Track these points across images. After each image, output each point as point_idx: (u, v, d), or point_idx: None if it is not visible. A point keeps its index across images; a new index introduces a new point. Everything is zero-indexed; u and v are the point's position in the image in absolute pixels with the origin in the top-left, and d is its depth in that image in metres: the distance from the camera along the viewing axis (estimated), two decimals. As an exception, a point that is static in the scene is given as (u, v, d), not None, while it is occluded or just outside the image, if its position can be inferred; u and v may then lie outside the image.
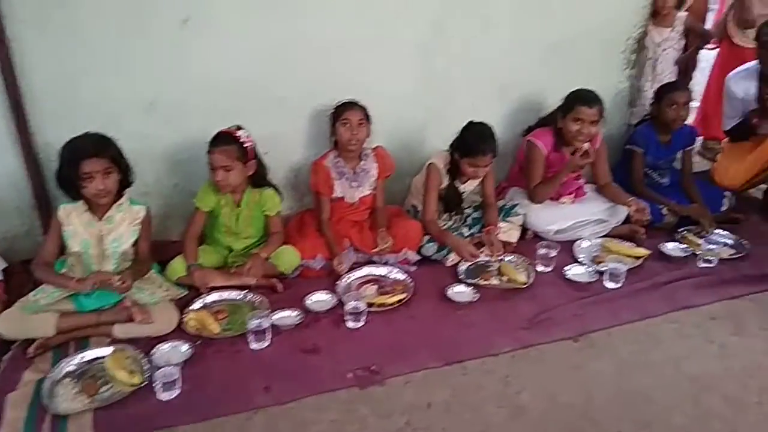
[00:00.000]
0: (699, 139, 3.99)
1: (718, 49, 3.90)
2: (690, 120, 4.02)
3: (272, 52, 2.49)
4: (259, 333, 2.05)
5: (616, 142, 3.21)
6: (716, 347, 2.09)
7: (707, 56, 4.04)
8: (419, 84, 2.78)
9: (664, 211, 2.86)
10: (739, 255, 2.65)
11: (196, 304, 2.26)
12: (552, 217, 2.74)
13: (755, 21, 3.43)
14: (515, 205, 2.73)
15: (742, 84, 2.97)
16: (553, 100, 3.02)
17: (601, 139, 2.81)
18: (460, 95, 2.87)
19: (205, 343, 2.06)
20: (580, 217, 2.75)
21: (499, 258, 2.52)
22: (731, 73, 3.04)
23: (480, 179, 2.66)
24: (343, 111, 2.47)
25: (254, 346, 2.05)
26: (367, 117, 2.50)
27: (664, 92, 2.90)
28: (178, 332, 2.11)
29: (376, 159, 2.60)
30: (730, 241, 2.77)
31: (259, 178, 2.40)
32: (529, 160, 2.75)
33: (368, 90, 2.64)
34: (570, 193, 2.86)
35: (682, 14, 3.27)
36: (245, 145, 2.27)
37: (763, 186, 3.15)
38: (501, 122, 3.00)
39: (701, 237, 2.76)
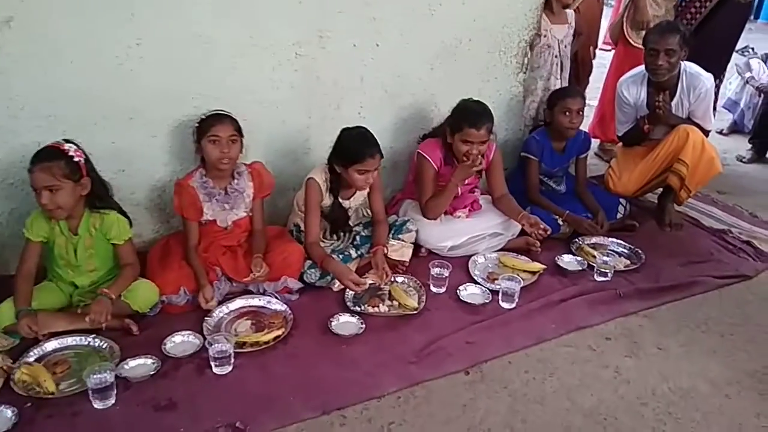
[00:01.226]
0: (596, 142, 4.01)
1: (614, 51, 3.90)
2: (587, 122, 4.07)
3: (122, 57, 2.16)
4: (103, 390, 1.73)
5: (513, 148, 3.11)
6: (611, 372, 1.99)
7: (605, 57, 4.05)
8: (300, 90, 2.52)
9: (560, 220, 2.76)
10: (635, 266, 2.59)
11: (31, 356, 1.90)
12: (445, 233, 2.57)
13: (650, 22, 3.44)
14: (406, 221, 2.54)
15: (632, 89, 2.92)
16: (447, 107, 2.85)
17: (495, 148, 2.67)
18: (346, 102, 2.65)
19: (36, 405, 1.72)
20: (475, 232, 2.59)
21: (389, 281, 2.32)
22: (622, 78, 2.99)
23: (367, 192, 2.44)
24: (210, 126, 2.15)
25: (97, 405, 1.73)
26: (239, 131, 2.21)
27: (556, 98, 2.81)
28: (6, 392, 1.76)
29: (251, 177, 2.31)
30: (625, 251, 2.72)
31: (98, 199, 2.05)
32: (419, 174, 2.57)
33: (240, 97, 2.39)
34: (465, 207, 2.70)
35: (570, 11, 3.20)
36: (75, 160, 1.92)
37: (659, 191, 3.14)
38: (391, 129, 2.81)
39: (596, 246, 2.70)
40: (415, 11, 2.61)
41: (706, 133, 2.89)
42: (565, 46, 3.20)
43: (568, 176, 3.05)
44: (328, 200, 2.39)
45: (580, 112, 2.78)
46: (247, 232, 2.37)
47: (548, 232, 2.59)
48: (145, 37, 2.17)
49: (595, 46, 3.66)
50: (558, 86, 3.15)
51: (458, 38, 2.77)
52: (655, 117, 2.82)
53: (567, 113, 2.76)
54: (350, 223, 2.51)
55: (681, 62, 2.81)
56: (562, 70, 3.22)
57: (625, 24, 3.70)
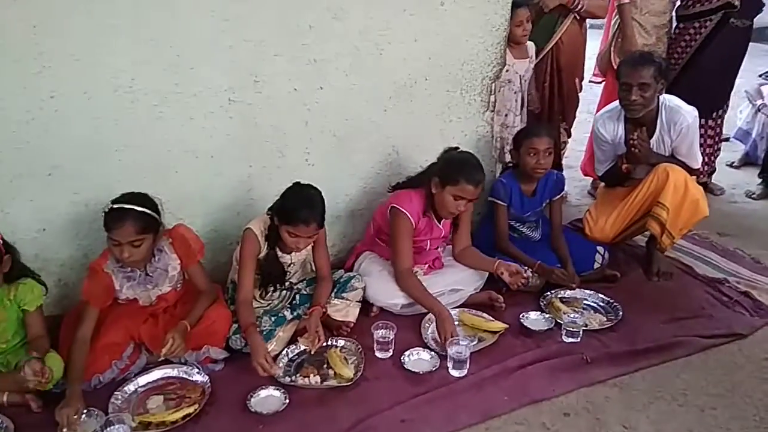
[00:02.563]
0: (588, 180, 3.75)
1: (603, 83, 3.66)
2: (579, 159, 3.81)
3: (34, 111, 2.04)
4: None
5: (484, 192, 2.86)
6: (564, 459, 1.71)
7: (595, 90, 3.81)
8: (237, 138, 2.36)
9: (529, 272, 2.50)
10: (611, 323, 2.30)
11: None
12: (397, 291, 2.33)
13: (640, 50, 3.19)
14: (352, 278, 2.32)
15: (609, 125, 2.67)
16: (406, 150, 2.69)
17: None
18: (290, 149, 2.47)
19: None
20: (432, 288, 2.34)
21: (321, 346, 2.09)
22: (597, 114, 2.75)
23: (311, 246, 2.24)
24: (109, 228, 1.90)
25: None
26: (147, 228, 1.93)
27: (522, 138, 2.58)
28: None
29: (174, 248, 2.10)
30: (601, 306, 2.43)
31: (15, 272, 1.93)
32: (395, 231, 2.33)
33: (168, 148, 2.25)
34: (425, 263, 2.47)
35: (531, 43, 2.99)
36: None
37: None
38: (345, 176, 2.63)
39: (569, 301, 2.43)
40: (361, 51, 2.44)
41: (694, 172, 2.61)
42: (525, 81, 2.99)
43: (544, 221, 2.79)
44: (265, 250, 2.20)
45: (548, 152, 2.54)
46: (178, 300, 2.18)
47: (526, 279, 2.34)
48: (59, 89, 2.05)
49: (581, 79, 3.42)
50: (516, 123, 2.92)
51: (413, 77, 2.58)
52: (633, 156, 2.56)
53: (534, 154, 2.53)
54: (293, 279, 2.30)
55: (659, 96, 2.56)
56: (522, 106, 2.99)
57: (613, 54, 3.46)
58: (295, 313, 2.21)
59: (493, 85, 2.76)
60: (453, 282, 2.42)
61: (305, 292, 2.28)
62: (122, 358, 2.01)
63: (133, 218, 1.91)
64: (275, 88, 2.35)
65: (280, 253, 2.21)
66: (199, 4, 2.13)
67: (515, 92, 2.95)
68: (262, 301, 2.25)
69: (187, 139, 2.28)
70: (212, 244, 2.43)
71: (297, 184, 2.15)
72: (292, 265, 2.27)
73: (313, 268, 2.35)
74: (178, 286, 2.15)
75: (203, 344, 2.04)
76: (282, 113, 2.40)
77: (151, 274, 2.06)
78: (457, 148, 2.45)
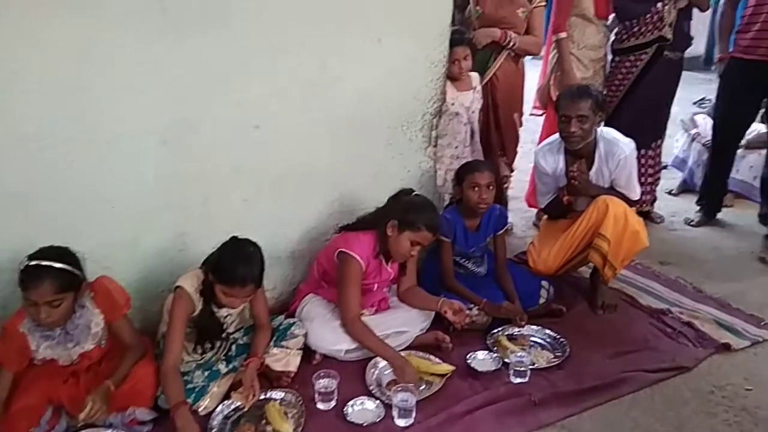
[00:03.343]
0: (533, 211, 3.76)
1: (544, 115, 3.71)
2: (523, 191, 3.84)
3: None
4: None
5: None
6: None
7: (539, 121, 3.85)
8: (168, 182, 2.25)
9: (475, 310, 2.45)
10: (558, 360, 2.27)
11: None
12: (340, 335, 2.23)
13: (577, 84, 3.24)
14: (292, 324, 2.22)
15: (549, 158, 2.69)
16: (346, 188, 2.63)
17: None
18: (227, 191, 2.37)
19: None
20: (377, 330, 2.25)
21: (267, 398, 1.98)
22: (537, 147, 2.76)
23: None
24: (24, 287, 1.76)
25: None
26: (66, 287, 1.79)
27: (464, 173, 2.56)
28: None
29: (96, 303, 1.95)
30: (549, 342, 2.40)
31: None
32: (343, 277, 2.24)
33: (87, 196, 2.11)
34: (372, 305, 2.39)
35: (475, 74, 3.01)
36: None
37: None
38: (285, 216, 2.54)
39: (515, 338, 2.39)
40: (298, 89, 2.38)
41: (633, 203, 2.64)
42: (473, 112, 2.99)
43: (489, 256, 2.76)
44: (199, 307, 2.07)
45: (490, 187, 2.53)
46: (102, 357, 2.02)
47: (473, 320, 2.29)
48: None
49: (521, 114, 3.45)
50: (467, 155, 2.91)
51: (352, 115, 2.53)
52: (574, 188, 2.57)
53: (476, 188, 2.51)
54: (230, 329, 2.18)
55: (597, 129, 2.59)
56: (472, 137, 2.99)
57: (552, 87, 3.51)
58: (230, 366, 2.09)
59: (434, 120, 2.74)
60: (398, 323, 2.34)
61: (242, 342, 2.16)
62: (40, 424, 1.84)
63: (51, 276, 1.76)
64: (209, 128, 2.26)
65: (215, 309, 2.09)
66: (119, 46, 2.02)
67: (464, 124, 2.94)
68: (196, 355, 2.12)
69: (115, 184, 2.15)
70: (142, 292, 2.29)
71: (234, 239, 2.04)
72: (229, 317, 2.15)
73: (250, 316, 2.24)
74: (102, 342, 2.00)
75: (129, 405, 1.89)
76: (215, 155, 2.30)
77: (71, 333, 1.91)
78: (412, 190, 2.42)
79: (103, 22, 1.98)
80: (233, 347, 2.15)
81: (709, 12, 3.68)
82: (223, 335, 2.14)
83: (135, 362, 1.98)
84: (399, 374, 2.10)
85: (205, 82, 2.20)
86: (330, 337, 2.24)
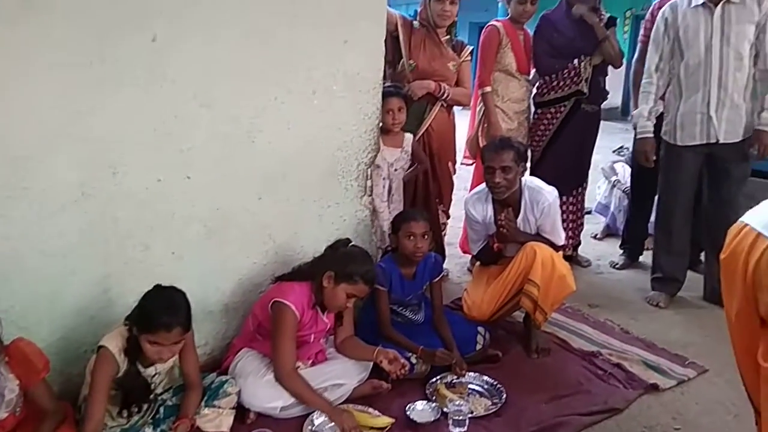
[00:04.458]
0: (467, 257, 3.83)
1: (474, 165, 3.83)
2: (457, 237, 3.92)
3: None
4: None
5: (365, 277, 2.82)
6: None
7: (468, 171, 3.97)
8: (92, 234, 2.15)
9: (414, 357, 2.44)
10: (496, 407, 2.28)
11: None
12: (275, 391, 2.16)
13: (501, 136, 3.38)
14: (224, 382, 2.13)
15: (478, 206, 2.78)
16: (283, 238, 2.60)
17: None
18: (155, 242, 2.29)
19: None
20: (313, 384, 2.20)
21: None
22: (467, 196, 2.86)
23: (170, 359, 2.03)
24: None
25: None
26: None
27: (400, 222, 2.60)
28: None
29: (11, 367, 1.80)
30: (486, 389, 2.41)
31: None
32: (277, 327, 2.19)
33: (12, 247, 2.00)
34: (308, 358, 2.34)
35: (409, 135, 3.08)
36: None
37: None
38: (217, 268, 2.47)
39: (454, 386, 2.39)
40: (232, 139, 2.36)
41: (559, 248, 2.74)
42: (395, 170, 3.03)
43: (426, 303, 2.78)
44: (124, 367, 1.96)
45: (426, 236, 2.57)
46: (17, 424, 1.86)
47: (406, 367, 2.28)
48: None
49: (454, 162, 3.57)
50: (383, 209, 2.96)
51: (287, 164, 2.53)
52: (502, 235, 2.66)
53: (411, 237, 2.54)
54: (158, 389, 2.07)
55: (522, 178, 2.71)
56: (390, 193, 3.03)
57: (480, 138, 3.66)
58: (158, 430, 1.97)
59: (369, 170, 2.78)
60: (336, 375, 2.29)
61: (171, 403, 2.05)
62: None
63: None
64: (136, 179, 2.19)
65: (142, 368, 1.99)
66: (46, 94, 1.96)
67: (383, 178, 2.98)
68: (121, 420, 1.99)
69: (34, 237, 2.04)
70: (62, 353, 2.15)
71: (157, 286, 1.97)
72: (157, 376, 2.05)
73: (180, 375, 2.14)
74: (17, 409, 1.84)
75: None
76: (144, 205, 2.23)
77: (-18, 401, 1.76)
78: (349, 241, 2.42)
79: (32, 70, 1.92)
80: (161, 409, 2.04)
81: (624, 67, 3.95)
82: (151, 396, 2.03)
83: (54, 430, 1.84)
84: (340, 427, 2.05)
85: (135, 132, 2.15)
86: (264, 393, 2.16)
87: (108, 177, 2.14)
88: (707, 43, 2.94)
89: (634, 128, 3.30)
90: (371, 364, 2.38)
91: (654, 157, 3.23)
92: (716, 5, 2.91)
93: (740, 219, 1.55)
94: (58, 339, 2.16)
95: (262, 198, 2.51)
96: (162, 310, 1.90)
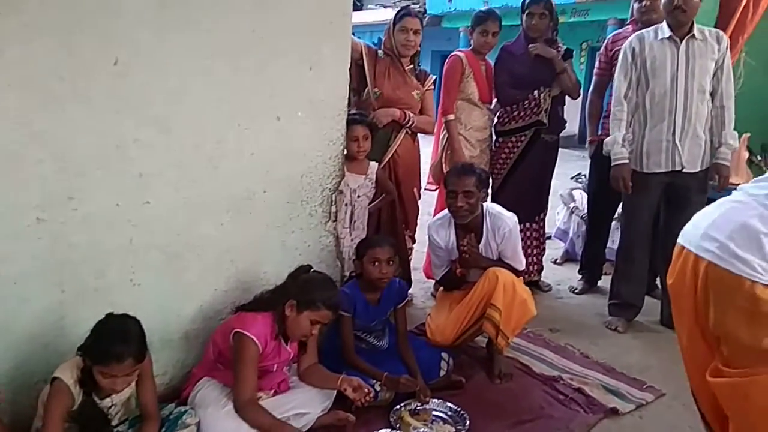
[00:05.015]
0: (431, 282, 3.85)
1: (438, 190, 3.88)
2: (421, 262, 3.94)
3: None
4: None
5: (329, 303, 2.80)
6: None
7: (432, 196, 4.02)
8: (46, 260, 2.08)
9: (377, 386, 2.42)
10: (459, 434, 2.28)
11: None
12: (236, 423, 2.10)
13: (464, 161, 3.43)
14: (184, 413, 2.07)
15: (441, 232, 2.82)
16: (245, 263, 2.57)
17: None
18: (112, 268, 2.23)
19: None
20: (276, 415, 2.15)
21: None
22: (430, 221, 2.89)
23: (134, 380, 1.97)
24: None
25: None
26: None
27: (365, 248, 2.61)
28: None
29: None
30: (450, 415, 2.41)
31: None
32: (238, 358, 2.14)
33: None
34: (271, 388, 2.29)
35: (374, 163, 3.11)
36: None
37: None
38: (177, 294, 2.41)
39: (418, 413, 2.38)
40: (193, 164, 2.34)
41: (520, 273, 2.79)
42: (359, 197, 3.05)
43: (390, 329, 2.77)
44: (79, 399, 1.89)
45: (390, 262, 2.58)
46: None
47: (371, 394, 2.25)
48: None
49: (419, 188, 3.61)
50: (344, 236, 2.97)
51: (251, 190, 2.52)
52: (465, 260, 2.69)
53: (376, 263, 2.55)
54: (114, 421, 2.00)
55: (483, 204, 2.76)
56: (352, 219, 3.04)
57: (444, 164, 3.72)
58: (112, 462, 1.91)
59: (334, 196, 2.78)
60: (298, 404, 2.25)
61: (127, 435, 1.99)
62: None
63: None
64: (94, 204, 2.14)
65: (98, 399, 1.92)
66: (1, 113, 1.91)
67: (345, 204, 2.98)
68: (74, 453, 1.92)
69: (-17, 264, 1.97)
70: (13, 384, 2.06)
71: (109, 315, 1.93)
72: (113, 407, 1.98)
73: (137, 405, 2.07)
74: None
75: None
76: (101, 231, 2.18)
77: None
78: (310, 267, 2.40)
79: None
80: (116, 442, 1.97)
81: (581, 96, 4.08)
82: (107, 428, 1.96)
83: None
84: None
85: (93, 155, 2.11)
86: (225, 425, 2.10)
87: (64, 201, 2.08)
88: (673, 74, 3.05)
89: (608, 155, 3.28)
90: (335, 392, 2.35)
91: (630, 183, 3.21)
92: (681, 40, 3.04)
93: (678, 240, 1.61)
94: (10, 368, 2.07)
95: (224, 224, 2.48)
96: (113, 340, 1.85)
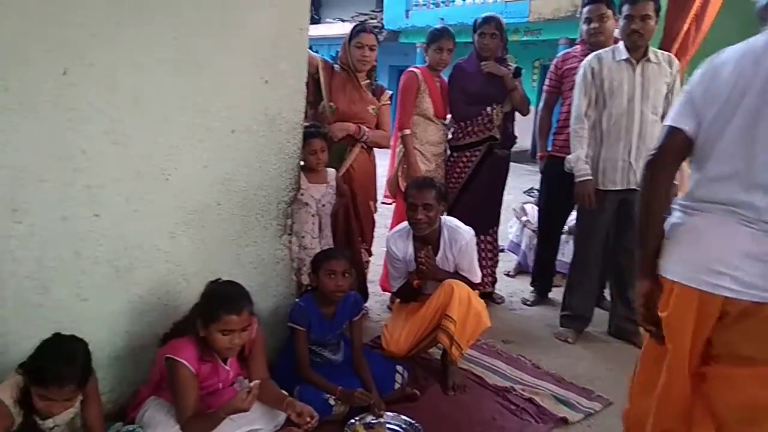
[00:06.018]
0: (387, 295, 3.86)
1: (394, 204, 3.91)
2: (378, 275, 3.95)
3: None
4: None
5: (283, 317, 2.77)
6: None
7: (389, 209, 4.04)
8: (-10, 275, 2.01)
9: (332, 399, 2.42)
10: (413, 447, 2.29)
11: None
12: (186, 440, 2.07)
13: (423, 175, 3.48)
14: (132, 431, 2.02)
15: (399, 243, 2.85)
16: (200, 278, 2.50)
17: (256, 328, 2.32)
18: (57, 283, 2.16)
19: None
20: (227, 432, 2.13)
21: None
22: (389, 233, 2.93)
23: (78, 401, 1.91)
24: None
25: None
26: None
27: (320, 261, 2.60)
28: None
29: None
30: (403, 428, 2.41)
31: None
32: (173, 383, 2.10)
33: None
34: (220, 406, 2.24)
35: (332, 170, 3.12)
36: None
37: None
38: (126, 310, 2.35)
39: (373, 426, 2.37)
40: (144, 176, 2.30)
41: (476, 286, 2.84)
42: (323, 205, 3.07)
43: (345, 342, 2.77)
44: (19, 420, 1.82)
45: (346, 274, 2.58)
46: None
47: (315, 419, 2.22)
48: None
49: (375, 201, 3.63)
50: (314, 246, 2.97)
51: (204, 203, 2.49)
52: (422, 272, 2.73)
53: (332, 275, 2.55)
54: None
55: (441, 217, 2.80)
56: (320, 229, 3.05)
57: (400, 178, 3.76)
58: (55, 485, 1.83)
59: (290, 209, 2.77)
60: (250, 420, 2.22)
61: (71, 456, 1.92)
62: None
63: None
64: (39, 217, 2.08)
65: (39, 420, 1.85)
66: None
67: (312, 215, 3.00)
68: (11, 476, 1.84)
69: None
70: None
71: (55, 335, 1.87)
72: (56, 428, 1.91)
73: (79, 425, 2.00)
74: None
75: None
76: (47, 244, 2.11)
77: None
78: (218, 279, 2.31)
79: None
80: (60, 463, 1.90)
81: (533, 112, 4.20)
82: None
83: None
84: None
85: (39, 166, 2.05)
86: (176, 443, 2.06)
87: (8, 213, 2.02)
88: (630, 96, 3.15)
89: (570, 172, 3.33)
90: (286, 408, 2.33)
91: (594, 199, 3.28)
92: (637, 62, 3.16)
93: (663, 273, 1.63)
94: (-56, 389, 1.97)
95: (176, 237, 2.44)
96: (56, 362, 1.79)
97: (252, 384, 2.10)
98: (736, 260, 1.52)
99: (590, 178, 3.26)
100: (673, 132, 1.66)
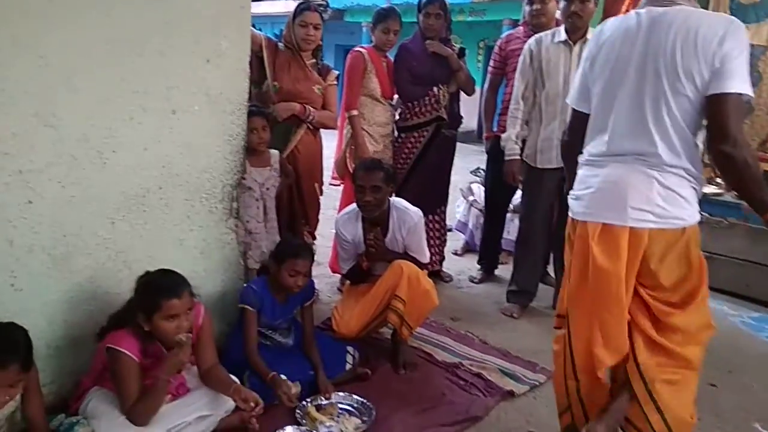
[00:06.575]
0: (338, 276, 3.86)
1: (342, 186, 3.90)
2: (327, 257, 3.94)
3: None
4: None
5: (233, 299, 2.73)
6: None
7: (337, 191, 4.03)
8: None
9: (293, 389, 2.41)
10: (366, 426, 2.31)
11: None
12: (133, 429, 2.02)
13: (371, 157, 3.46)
14: (75, 424, 1.96)
15: (348, 225, 2.85)
16: (140, 264, 2.42)
17: (203, 312, 2.27)
18: (-9, 273, 2.06)
19: None
20: (175, 421, 2.08)
21: None
22: (338, 216, 2.92)
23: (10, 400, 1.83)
24: None
25: None
26: None
27: (285, 256, 2.53)
28: None
29: None
30: (355, 407, 2.44)
31: None
32: (116, 374, 2.04)
33: None
34: (168, 393, 2.20)
35: (275, 151, 3.08)
36: None
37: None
38: (64, 300, 2.27)
39: (324, 407, 2.39)
40: (80, 160, 2.20)
41: (424, 266, 2.87)
42: (267, 189, 3.02)
43: (296, 326, 2.76)
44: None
45: (307, 274, 2.57)
46: None
47: (260, 406, 2.20)
48: None
49: (321, 183, 3.59)
50: (260, 230, 2.92)
51: (145, 187, 2.40)
52: (371, 254, 2.74)
53: (294, 274, 2.52)
54: (-6, 438, 1.85)
55: (390, 198, 2.81)
56: (265, 213, 3.02)
57: (348, 160, 3.74)
58: (-7, 484, 1.76)
59: (235, 192, 2.72)
60: (200, 407, 2.17)
61: (10, 452, 1.85)
62: None
63: None
64: (-32, 204, 1.97)
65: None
66: None
67: (256, 199, 2.94)
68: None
69: None
70: None
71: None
72: (-6, 422, 1.83)
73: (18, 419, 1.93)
74: None
75: None
76: (-24, 233, 2.01)
77: None
78: (147, 272, 2.21)
79: None
80: (-2, 460, 1.83)
81: (478, 93, 4.24)
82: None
83: None
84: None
85: (-36, 152, 1.93)
86: (120, 433, 2.01)
87: (-68, 201, 1.90)
88: (566, 76, 3.24)
89: (503, 150, 3.47)
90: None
91: (521, 178, 3.44)
92: (575, 43, 3.23)
93: (592, 219, 1.89)
94: None
95: (116, 222, 2.35)
96: None
97: (184, 336, 2.06)
98: None
99: (517, 157, 3.43)
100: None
